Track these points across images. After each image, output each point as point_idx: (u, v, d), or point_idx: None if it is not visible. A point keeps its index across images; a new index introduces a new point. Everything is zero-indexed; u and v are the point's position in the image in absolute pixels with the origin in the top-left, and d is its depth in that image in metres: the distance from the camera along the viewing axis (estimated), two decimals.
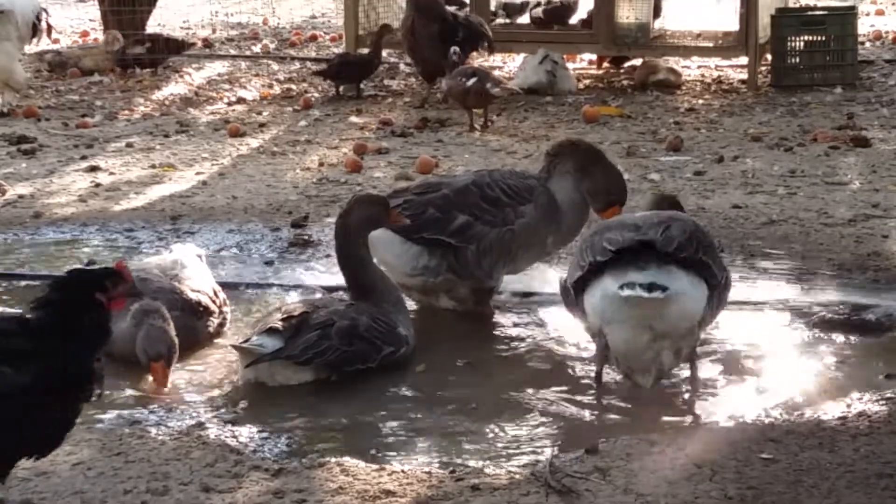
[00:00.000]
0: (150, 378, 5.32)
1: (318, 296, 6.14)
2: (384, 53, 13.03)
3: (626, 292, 4.78)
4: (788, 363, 5.53)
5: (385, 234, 6.04)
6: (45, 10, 12.34)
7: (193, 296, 5.81)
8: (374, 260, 5.99)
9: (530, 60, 12.70)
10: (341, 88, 12.71)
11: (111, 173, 9.44)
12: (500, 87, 10.80)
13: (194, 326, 5.75)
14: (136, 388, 5.30)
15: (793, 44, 12.68)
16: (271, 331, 5.27)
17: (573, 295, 5.13)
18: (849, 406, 4.92)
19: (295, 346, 5.24)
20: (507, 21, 14.71)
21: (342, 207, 5.83)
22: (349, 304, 5.58)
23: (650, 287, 4.77)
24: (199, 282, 5.94)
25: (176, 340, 5.37)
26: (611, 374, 5.26)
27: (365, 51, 12.88)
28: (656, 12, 13.55)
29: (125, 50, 14.18)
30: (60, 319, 3.87)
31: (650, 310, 4.85)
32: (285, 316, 5.34)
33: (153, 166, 9.65)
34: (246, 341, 5.27)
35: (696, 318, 5.03)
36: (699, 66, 14.00)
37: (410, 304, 6.16)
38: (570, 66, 13.33)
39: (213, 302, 5.91)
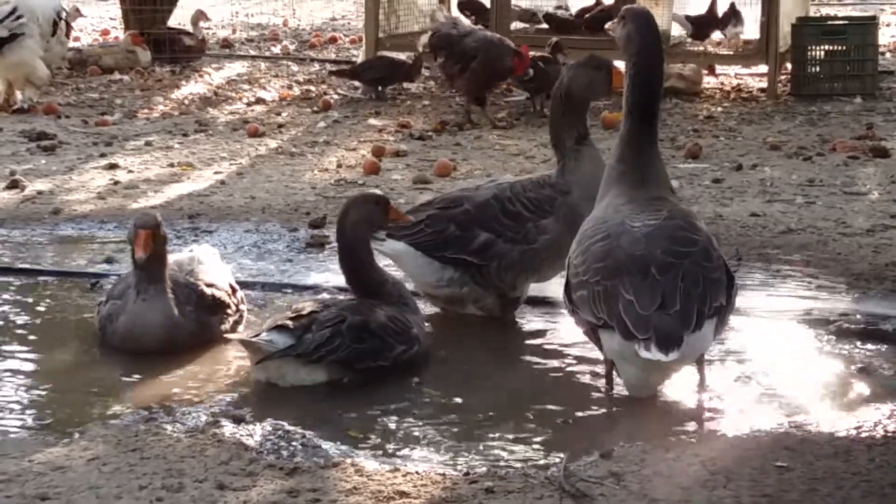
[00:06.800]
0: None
1: (327, 296, 6.09)
2: (403, 56, 13.05)
3: (644, 354, 4.76)
4: (804, 372, 5.51)
5: (409, 250, 6.06)
6: (65, 9, 12.40)
7: (208, 290, 5.82)
8: (402, 273, 6.04)
9: None
10: (362, 90, 12.80)
11: (130, 171, 9.47)
12: None
13: (208, 321, 5.76)
14: (151, 384, 5.31)
15: (813, 53, 12.67)
16: (281, 328, 5.24)
17: (576, 315, 5.16)
18: (864, 416, 4.91)
19: (305, 343, 5.21)
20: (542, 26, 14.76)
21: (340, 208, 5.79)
22: (359, 301, 5.54)
23: (667, 346, 4.74)
24: (215, 277, 5.94)
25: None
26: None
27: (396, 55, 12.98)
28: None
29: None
30: None
31: (666, 366, 4.87)
32: (295, 314, 5.32)
33: (172, 165, 9.68)
34: (256, 336, 5.27)
35: (707, 350, 5.14)
36: (719, 74, 13.97)
37: (425, 309, 6.17)
38: None
39: (229, 298, 5.91)
